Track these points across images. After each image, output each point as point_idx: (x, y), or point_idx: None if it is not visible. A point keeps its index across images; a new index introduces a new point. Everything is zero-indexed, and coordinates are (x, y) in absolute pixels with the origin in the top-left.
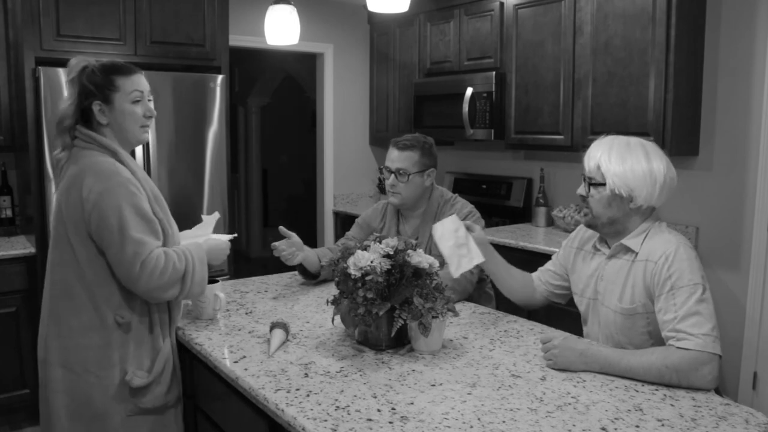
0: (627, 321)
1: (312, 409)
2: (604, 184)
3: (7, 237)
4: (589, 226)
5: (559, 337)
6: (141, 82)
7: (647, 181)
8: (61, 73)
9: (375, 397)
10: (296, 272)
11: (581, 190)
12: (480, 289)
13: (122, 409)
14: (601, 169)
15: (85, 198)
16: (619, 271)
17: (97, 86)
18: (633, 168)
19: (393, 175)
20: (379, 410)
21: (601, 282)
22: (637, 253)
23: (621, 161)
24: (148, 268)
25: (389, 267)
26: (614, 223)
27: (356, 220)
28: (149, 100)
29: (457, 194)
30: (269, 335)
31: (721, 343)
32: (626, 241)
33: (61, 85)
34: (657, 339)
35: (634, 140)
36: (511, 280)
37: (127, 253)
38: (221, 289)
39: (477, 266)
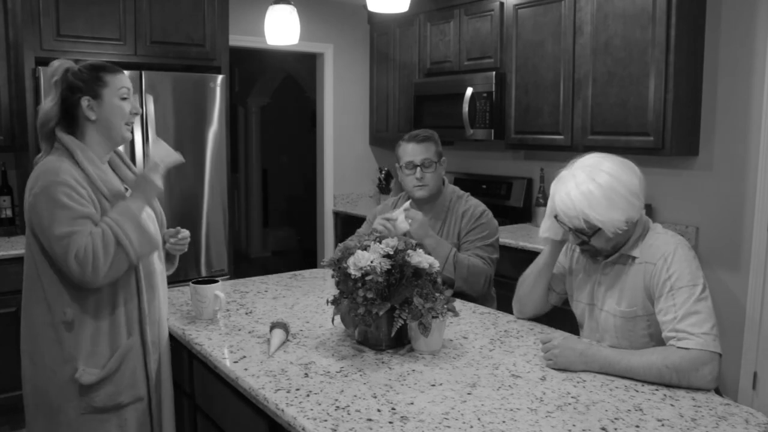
0: (627, 324)
1: (312, 409)
2: (599, 229)
3: (7, 237)
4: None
5: (559, 337)
6: (126, 80)
7: (635, 203)
8: None
9: (375, 397)
10: (296, 273)
11: (574, 240)
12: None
13: (76, 406)
14: (591, 222)
15: (26, 199)
16: (617, 276)
17: (85, 82)
18: (619, 205)
19: (418, 169)
20: (379, 410)
21: (599, 287)
22: (636, 257)
23: (606, 206)
24: (83, 261)
25: (389, 267)
26: (617, 246)
27: (367, 216)
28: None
29: (468, 193)
30: (269, 335)
31: (720, 343)
32: (625, 250)
33: None
34: (658, 341)
35: (595, 170)
36: (541, 289)
37: (58, 253)
38: (221, 289)
39: (494, 266)
